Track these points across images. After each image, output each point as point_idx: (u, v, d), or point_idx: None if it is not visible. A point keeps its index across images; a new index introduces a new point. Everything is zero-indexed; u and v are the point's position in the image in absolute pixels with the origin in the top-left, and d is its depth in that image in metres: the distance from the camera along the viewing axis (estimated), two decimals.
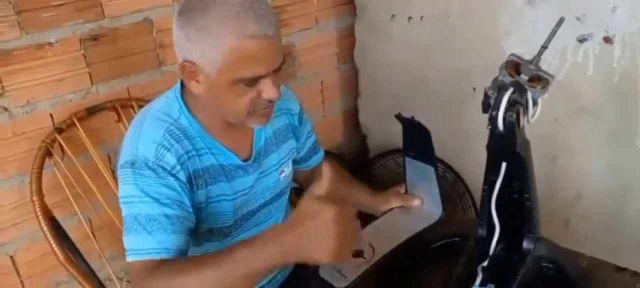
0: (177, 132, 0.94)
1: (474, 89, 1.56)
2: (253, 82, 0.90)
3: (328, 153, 1.34)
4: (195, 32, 0.86)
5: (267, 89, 0.91)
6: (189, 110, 0.97)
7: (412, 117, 1.03)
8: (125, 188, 0.91)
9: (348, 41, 1.93)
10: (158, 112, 0.96)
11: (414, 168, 1.13)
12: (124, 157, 0.93)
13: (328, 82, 1.97)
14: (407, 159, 1.13)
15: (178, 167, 0.92)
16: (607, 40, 1.31)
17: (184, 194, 0.93)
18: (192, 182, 0.95)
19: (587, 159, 1.47)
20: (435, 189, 1.11)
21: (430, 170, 1.09)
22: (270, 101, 0.94)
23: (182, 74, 0.93)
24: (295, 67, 1.83)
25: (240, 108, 0.93)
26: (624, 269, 0.98)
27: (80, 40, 1.31)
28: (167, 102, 0.98)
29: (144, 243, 0.89)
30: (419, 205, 1.15)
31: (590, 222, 1.50)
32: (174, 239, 0.90)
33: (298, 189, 1.82)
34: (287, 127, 1.14)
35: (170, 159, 0.91)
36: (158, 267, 0.87)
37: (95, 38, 1.33)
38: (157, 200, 0.90)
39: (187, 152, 0.94)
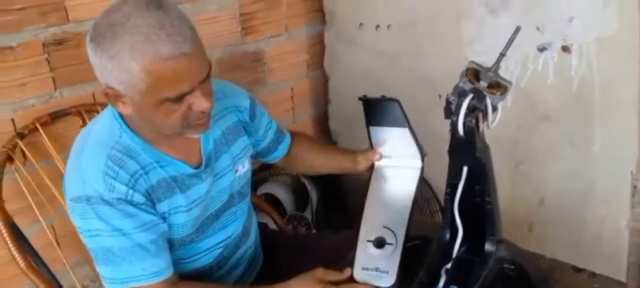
0: (118, 155, 0.91)
1: (440, 96, 1.59)
2: (180, 98, 0.86)
3: (294, 133, 1.29)
4: (108, 59, 0.82)
5: (197, 102, 0.88)
6: (129, 127, 0.94)
7: (383, 96, 1.00)
8: (89, 223, 0.90)
9: (318, 48, 1.95)
10: (97, 135, 0.93)
11: (380, 135, 1.09)
12: (73, 190, 0.91)
13: (298, 89, 1.98)
14: (371, 128, 1.08)
15: (131, 191, 0.90)
16: (565, 49, 1.35)
17: (146, 213, 0.92)
18: (149, 198, 0.93)
19: (549, 165, 1.51)
20: (409, 143, 1.07)
21: (402, 130, 1.05)
22: (203, 112, 0.90)
23: (106, 99, 0.89)
24: (265, 74, 1.83)
25: (173, 124, 0.89)
26: (583, 270, 1.02)
27: (43, 44, 1.28)
28: (106, 123, 0.95)
29: (127, 273, 0.92)
30: (395, 165, 1.11)
31: (553, 226, 1.54)
32: (157, 262, 0.93)
33: (267, 195, 1.82)
34: (237, 125, 1.10)
35: (120, 187, 0.89)
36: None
37: (59, 42, 1.31)
38: (123, 232, 0.90)
39: (132, 175, 0.91)
